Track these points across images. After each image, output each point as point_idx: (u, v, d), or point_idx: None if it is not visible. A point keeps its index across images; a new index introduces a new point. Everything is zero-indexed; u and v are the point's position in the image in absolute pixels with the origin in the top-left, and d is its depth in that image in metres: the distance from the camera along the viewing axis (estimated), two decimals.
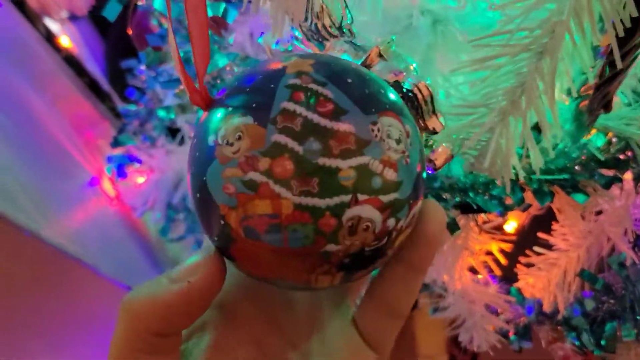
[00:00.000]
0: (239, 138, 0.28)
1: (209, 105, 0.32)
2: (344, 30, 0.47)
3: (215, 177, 0.29)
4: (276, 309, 0.38)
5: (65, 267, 0.97)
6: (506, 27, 0.46)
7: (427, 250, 0.36)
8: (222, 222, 0.29)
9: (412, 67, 0.43)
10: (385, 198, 0.29)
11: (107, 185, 1.21)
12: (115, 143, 0.96)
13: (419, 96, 0.40)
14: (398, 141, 0.29)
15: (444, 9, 0.64)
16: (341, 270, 0.30)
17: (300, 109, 0.28)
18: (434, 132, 0.42)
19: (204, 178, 0.29)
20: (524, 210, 0.64)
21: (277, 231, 0.28)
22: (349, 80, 0.30)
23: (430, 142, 0.44)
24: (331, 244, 0.28)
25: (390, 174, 0.29)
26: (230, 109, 0.30)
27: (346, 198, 0.28)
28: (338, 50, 0.46)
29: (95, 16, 1.22)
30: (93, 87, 1.39)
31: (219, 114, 0.30)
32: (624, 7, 0.45)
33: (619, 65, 0.46)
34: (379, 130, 0.29)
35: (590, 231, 0.72)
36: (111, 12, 0.65)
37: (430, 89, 0.40)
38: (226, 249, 0.31)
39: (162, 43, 0.65)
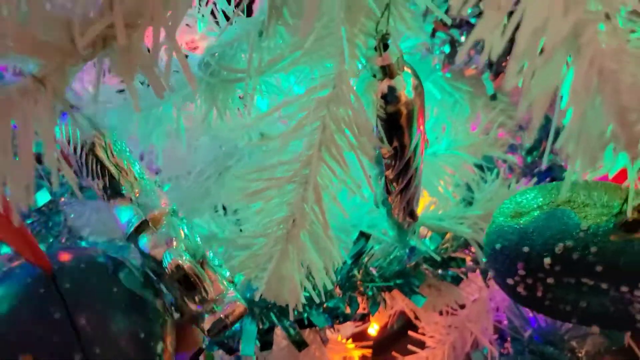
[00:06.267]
0: None
1: None
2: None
3: None
4: None
5: None
6: (269, 161, 0.48)
7: None
8: None
9: (182, 235, 0.45)
10: None
11: None
12: None
13: (175, 276, 0.42)
14: None
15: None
16: None
17: None
18: (206, 300, 0.44)
19: None
20: (361, 319, 0.64)
21: None
22: None
23: (219, 299, 0.46)
24: None
25: None
26: None
27: None
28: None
29: None
30: None
31: None
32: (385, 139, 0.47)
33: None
34: None
35: (454, 326, 0.72)
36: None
37: (186, 265, 0.42)
38: None
39: None
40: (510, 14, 0.34)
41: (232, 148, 0.66)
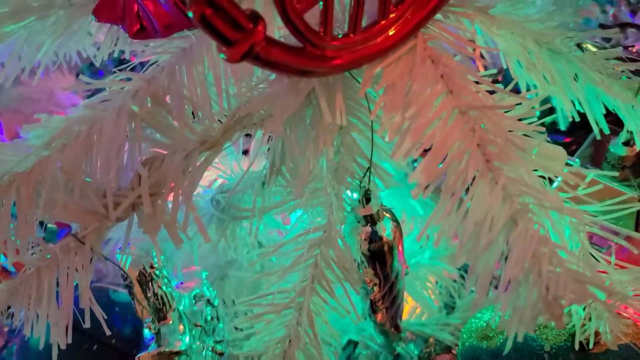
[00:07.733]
0: None
1: None
2: None
3: None
4: None
5: None
6: (270, 290, 0.56)
7: None
8: None
9: None
10: None
11: None
12: None
13: None
14: None
15: None
16: None
17: None
18: None
19: None
20: None
21: None
22: None
23: None
24: None
25: None
26: None
27: None
28: None
29: None
30: None
31: None
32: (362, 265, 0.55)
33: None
34: None
35: None
36: None
37: None
38: None
39: None
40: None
41: (232, 257, 0.74)
